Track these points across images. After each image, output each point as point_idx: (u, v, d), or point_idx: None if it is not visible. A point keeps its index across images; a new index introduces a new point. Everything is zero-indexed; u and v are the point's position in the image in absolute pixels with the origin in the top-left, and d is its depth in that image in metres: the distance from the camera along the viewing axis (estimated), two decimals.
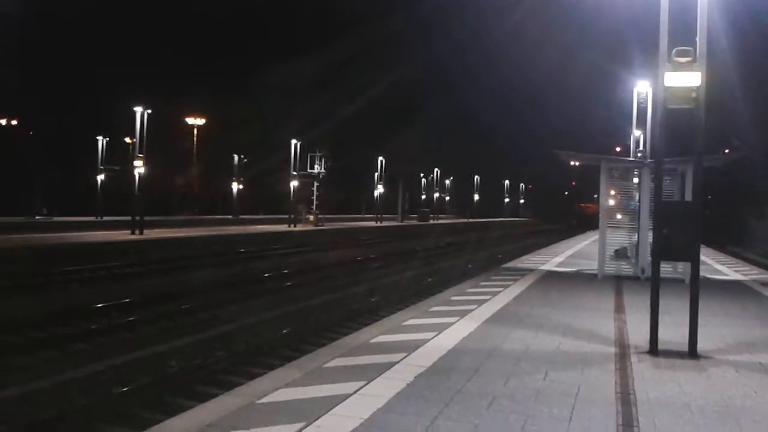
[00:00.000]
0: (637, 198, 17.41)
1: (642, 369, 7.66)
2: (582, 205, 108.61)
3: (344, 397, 6.20)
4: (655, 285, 8.61)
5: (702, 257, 10.59)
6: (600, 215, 17.48)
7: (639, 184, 17.27)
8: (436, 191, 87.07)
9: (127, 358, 10.95)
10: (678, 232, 8.55)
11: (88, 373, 10.05)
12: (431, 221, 75.71)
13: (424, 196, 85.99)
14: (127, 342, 12.27)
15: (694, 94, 8.36)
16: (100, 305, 15.08)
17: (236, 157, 58.38)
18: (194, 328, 13.41)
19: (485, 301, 12.45)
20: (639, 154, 23.38)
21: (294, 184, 50.61)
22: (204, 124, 64.15)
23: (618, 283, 15.82)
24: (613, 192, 18.23)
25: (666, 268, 15.03)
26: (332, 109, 63.30)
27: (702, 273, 10.30)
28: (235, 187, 58.83)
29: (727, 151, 38.49)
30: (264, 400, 6.13)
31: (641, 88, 22.55)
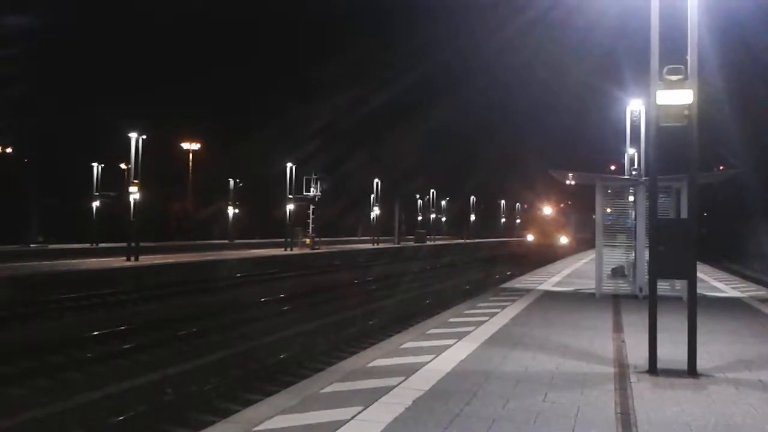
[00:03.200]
0: (633, 216, 17.42)
1: (641, 389, 7.60)
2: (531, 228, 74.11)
3: (342, 423, 6.13)
4: (652, 303, 8.58)
5: (699, 274, 10.57)
6: (596, 234, 17.46)
7: (634, 202, 17.29)
8: (432, 212, 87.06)
9: (122, 386, 10.85)
10: (674, 250, 8.53)
11: (83, 402, 9.95)
12: (428, 242, 75.63)
13: (420, 218, 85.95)
14: (122, 370, 12.17)
15: (686, 112, 8.38)
16: (95, 333, 14.98)
17: (231, 181, 58.38)
18: (190, 355, 13.30)
19: (483, 322, 12.39)
20: (634, 172, 23.41)
21: (290, 207, 50.58)
22: (199, 149, 64.28)
23: (616, 302, 15.77)
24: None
25: (663, 286, 15.01)
26: (326, 128, 63.42)
27: (699, 290, 10.28)
28: (231, 211, 58.77)
29: (722, 167, 38.63)
30: (260, 427, 6.05)
31: (634, 106, 22.65)
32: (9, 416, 9.11)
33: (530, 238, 61.66)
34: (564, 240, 58.69)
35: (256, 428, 6.01)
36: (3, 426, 8.79)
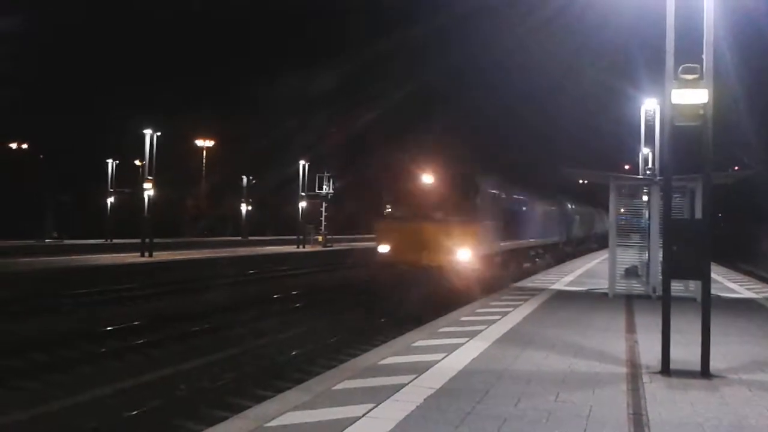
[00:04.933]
0: (646, 216, 17.33)
1: (654, 389, 7.57)
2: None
3: (353, 420, 6.14)
4: (666, 304, 8.54)
5: (713, 275, 10.51)
6: (609, 234, 17.38)
7: (648, 201, 17.20)
8: None
9: (135, 381, 10.92)
10: (688, 251, 8.49)
11: (97, 396, 10.03)
12: None
13: None
14: (135, 365, 12.25)
15: (701, 111, 8.34)
16: (108, 328, 15.08)
17: (245, 178, 58.59)
18: (203, 351, 13.36)
19: (495, 321, 12.37)
20: (648, 172, 23.28)
21: (302, 204, 50.72)
22: (213, 146, 64.58)
23: (629, 302, 15.70)
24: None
25: (677, 287, 14.91)
26: (338, 126, 63.48)
27: (714, 291, 10.22)
28: (244, 208, 58.99)
29: (737, 168, 38.34)
30: (272, 423, 6.08)
31: (649, 106, 22.55)
32: (23, 409, 9.20)
33: (383, 249, 19.52)
34: (466, 255, 18.71)
35: (268, 424, 6.04)
36: (17, 419, 8.87)
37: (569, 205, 36.59)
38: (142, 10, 79.13)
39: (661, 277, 10.80)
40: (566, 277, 23.69)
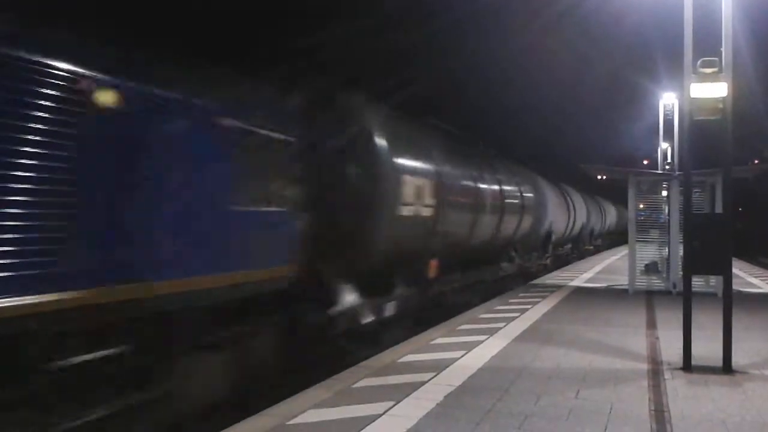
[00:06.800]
0: (666, 211, 17.23)
1: (675, 385, 7.53)
2: None
3: (374, 418, 6.17)
4: (686, 300, 8.49)
5: (734, 270, 10.43)
6: (629, 230, 17.29)
7: (668, 197, 17.09)
8: None
9: None
10: (709, 246, 8.44)
11: None
12: None
13: None
14: None
15: (720, 105, 8.28)
16: None
17: None
18: None
19: (514, 318, 12.36)
20: (667, 167, 23.14)
21: None
22: None
23: (649, 298, 15.62)
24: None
25: (698, 282, 14.81)
26: None
27: (735, 286, 10.15)
28: None
29: (757, 161, 37.99)
30: (294, 421, 6.12)
31: (667, 100, 22.41)
32: None
33: None
34: None
35: (290, 422, 6.08)
36: None
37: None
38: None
39: (681, 273, 10.73)
40: (585, 274, 23.61)
